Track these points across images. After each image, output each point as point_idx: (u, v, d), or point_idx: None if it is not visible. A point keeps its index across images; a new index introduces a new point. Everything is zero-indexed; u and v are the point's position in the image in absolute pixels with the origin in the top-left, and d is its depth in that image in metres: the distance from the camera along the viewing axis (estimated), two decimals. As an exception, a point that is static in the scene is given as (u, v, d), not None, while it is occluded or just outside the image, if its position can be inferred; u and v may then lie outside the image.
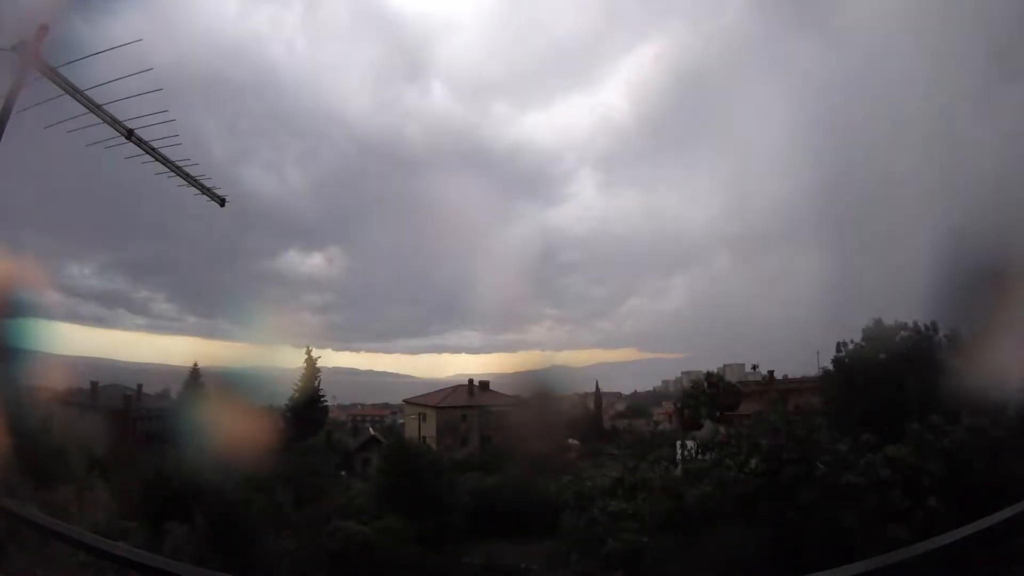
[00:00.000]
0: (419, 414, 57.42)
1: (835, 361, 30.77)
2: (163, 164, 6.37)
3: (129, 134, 5.98)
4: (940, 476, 14.05)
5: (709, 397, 41.70)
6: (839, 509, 13.50)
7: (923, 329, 29.16)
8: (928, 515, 12.96)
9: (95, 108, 5.64)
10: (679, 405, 50.80)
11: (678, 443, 33.21)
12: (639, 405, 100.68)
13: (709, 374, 45.26)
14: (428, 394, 61.63)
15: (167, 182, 6.81)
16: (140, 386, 53.97)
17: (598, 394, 75.13)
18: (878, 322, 29.56)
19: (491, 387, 62.48)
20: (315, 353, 56.56)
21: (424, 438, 49.84)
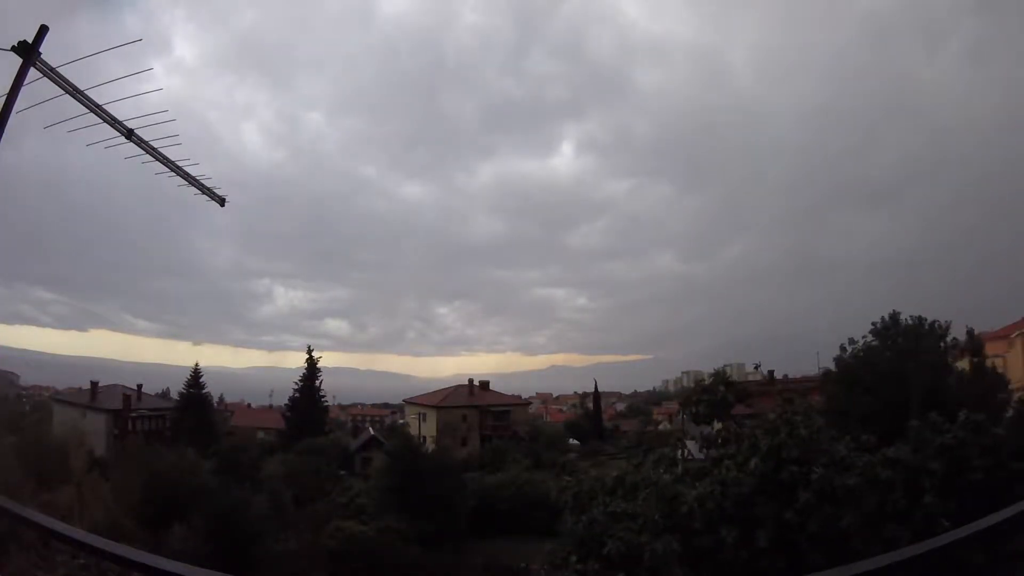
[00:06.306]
0: (419, 414, 57.29)
1: (837, 360, 30.50)
2: (163, 164, 6.36)
3: (129, 134, 5.97)
4: (940, 475, 13.94)
5: (723, 389, 41.48)
6: (837, 511, 13.41)
7: (936, 327, 28.61)
8: (927, 515, 12.88)
9: (95, 108, 5.64)
10: (682, 403, 50.64)
11: (679, 442, 33.23)
12: (639, 405, 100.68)
13: (717, 372, 45.12)
14: (428, 394, 61.56)
15: (168, 182, 6.82)
16: (140, 386, 54.04)
17: (597, 394, 75.12)
18: (892, 317, 28.89)
19: (491, 387, 62.47)
20: (316, 354, 56.74)
21: (424, 438, 49.70)
